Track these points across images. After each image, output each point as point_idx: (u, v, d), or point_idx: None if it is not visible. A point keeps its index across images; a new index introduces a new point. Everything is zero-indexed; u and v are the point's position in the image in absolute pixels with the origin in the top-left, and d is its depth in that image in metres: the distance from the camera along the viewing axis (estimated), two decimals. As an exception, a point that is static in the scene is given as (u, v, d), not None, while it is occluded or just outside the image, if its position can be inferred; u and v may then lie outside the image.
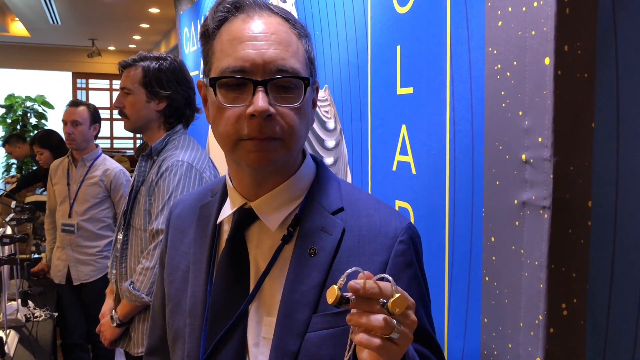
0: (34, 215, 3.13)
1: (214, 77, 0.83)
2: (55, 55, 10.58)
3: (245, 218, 0.90)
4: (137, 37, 9.31)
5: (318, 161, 0.96)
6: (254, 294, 0.87)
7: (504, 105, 0.97)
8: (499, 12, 0.98)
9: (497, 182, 0.99)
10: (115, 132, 11.12)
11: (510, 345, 0.97)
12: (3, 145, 5.92)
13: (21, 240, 2.44)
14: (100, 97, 10.98)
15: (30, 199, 4.40)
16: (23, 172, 6.25)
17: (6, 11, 7.65)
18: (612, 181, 0.94)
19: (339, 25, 1.68)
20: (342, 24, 1.66)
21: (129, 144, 11.17)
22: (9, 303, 2.77)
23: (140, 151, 2.04)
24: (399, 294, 0.65)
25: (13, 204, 3.34)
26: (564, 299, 0.89)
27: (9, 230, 2.70)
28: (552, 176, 0.87)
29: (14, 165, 8.41)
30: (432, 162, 1.24)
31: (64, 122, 3.13)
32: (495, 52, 0.99)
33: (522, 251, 0.94)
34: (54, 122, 7.83)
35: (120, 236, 1.99)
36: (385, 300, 0.65)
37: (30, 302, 2.92)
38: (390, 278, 0.67)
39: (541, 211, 0.89)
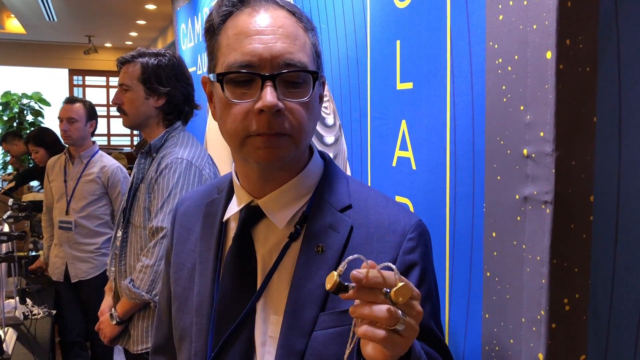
0: (32, 213, 3.12)
1: (220, 72, 0.81)
2: (52, 52, 10.55)
3: (252, 216, 0.89)
4: (133, 34, 9.28)
5: (326, 158, 0.95)
6: (260, 292, 0.86)
7: (505, 99, 0.96)
8: (500, 6, 0.97)
9: (499, 177, 0.99)
10: (113, 129, 11.10)
11: (512, 341, 0.97)
12: (0, 143, 5.89)
13: (19, 238, 2.43)
14: (96, 94, 10.96)
15: (27, 197, 4.39)
16: (19, 169, 6.21)
17: (2, 8, 7.61)
18: (614, 176, 0.93)
19: (338, 20, 1.67)
20: (342, 18, 1.65)
21: (126, 141, 11.16)
22: (7, 301, 2.76)
23: (139, 148, 2.03)
24: (403, 283, 0.63)
25: (10, 201, 3.33)
26: (566, 294, 0.89)
27: (6, 228, 2.69)
28: (553, 171, 0.87)
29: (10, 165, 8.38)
30: (433, 157, 1.24)
31: (60, 119, 3.12)
32: (496, 46, 0.98)
33: (523, 246, 0.93)
34: (51, 119, 7.81)
35: (119, 234, 1.98)
36: (388, 290, 0.63)
37: (28, 300, 2.92)
38: (394, 267, 0.65)
39: (543, 206, 0.89)
